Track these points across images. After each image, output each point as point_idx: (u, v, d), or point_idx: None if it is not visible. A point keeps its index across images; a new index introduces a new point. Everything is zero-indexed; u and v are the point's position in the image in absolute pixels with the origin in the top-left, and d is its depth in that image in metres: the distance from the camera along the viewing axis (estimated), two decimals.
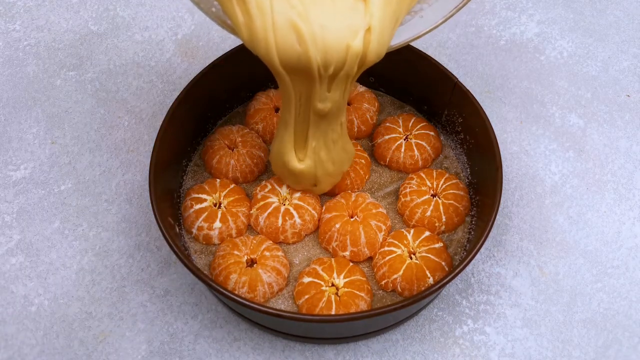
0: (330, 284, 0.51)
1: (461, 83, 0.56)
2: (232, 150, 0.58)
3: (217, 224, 0.54)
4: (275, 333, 0.53)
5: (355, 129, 0.60)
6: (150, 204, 0.58)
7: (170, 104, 0.55)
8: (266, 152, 0.59)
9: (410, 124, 0.59)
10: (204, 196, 0.55)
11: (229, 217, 0.54)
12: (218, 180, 0.56)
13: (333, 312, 0.49)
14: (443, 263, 0.52)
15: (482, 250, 0.58)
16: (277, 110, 0.61)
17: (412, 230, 0.54)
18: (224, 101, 0.61)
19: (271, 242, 0.53)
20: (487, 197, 0.52)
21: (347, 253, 0.53)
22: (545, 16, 0.74)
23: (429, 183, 0.56)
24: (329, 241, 0.54)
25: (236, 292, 0.51)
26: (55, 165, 0.62)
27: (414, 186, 0.56)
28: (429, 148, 0.58)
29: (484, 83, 0.68)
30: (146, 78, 0.68)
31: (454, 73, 0.63)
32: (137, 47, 0.71)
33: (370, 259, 0.54)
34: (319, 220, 0.55)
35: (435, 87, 0.58)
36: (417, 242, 0.53)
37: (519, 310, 0.55)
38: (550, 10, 0.74)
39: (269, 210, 0.54)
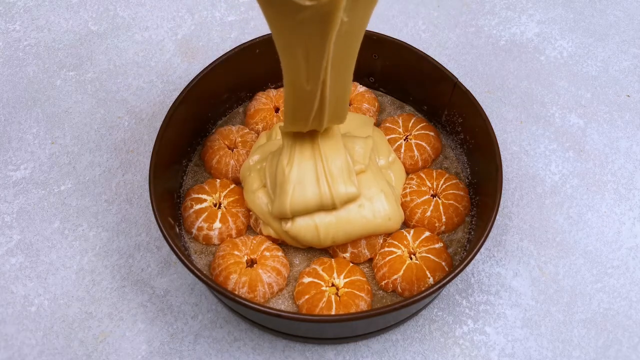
0: (330, 284, 0.51)
1: (461, 83, 0.56)
2: (232, 150, 0.58)
3: (217, 224, 0.54)
4: (275, 333, 0.53)
5: None
6: (150, 204, 0.58)
7: (170, 104, 0.55)
8: None
9: (410, 124, 0.59)
10: (204, 196, 0.55)
11: (229, 217, 0.54)
12: (218, 180, 0.56)
13: (333, 312, 0.49)
14: (443, 263, 0.52)
15: (482, 250, 0.58)
16: (277, 110, 0.61)
17: (412, 231, 0.54)
18: (224, 101, 0.61)
19: (271, 242, 0.53)
20: (487, 197, 0.52)
21: (347, 255, 0.53)
22: (545, 16, 0.74)
23: (429, 183, 0.56)
24: None
25: (236, 293, 0.51)
26: (55, 165, 0.62)
27: (414, 186, 0.56)
28: (428, 148, 0.58)
29: (484, 83, 0.68)
30: (146, 78, 0.68)
31: (454, 73, 0.63)
32: (137, 47, 0.71)
33: (370, 260, 0.54)
34: None
35: (435, 87, 0.58)
36: (417, 242, 0.53)
37: (519, 311, 0.55)
38: (550, 10, 0.74)
39: None
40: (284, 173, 0.50)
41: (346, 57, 0.42)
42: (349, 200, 0.51)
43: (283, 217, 0.51)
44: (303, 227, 0.51)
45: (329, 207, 0.50)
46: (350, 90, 0.47)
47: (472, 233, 0.54)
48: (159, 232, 0.56)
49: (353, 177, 0.51)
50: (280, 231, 0.52)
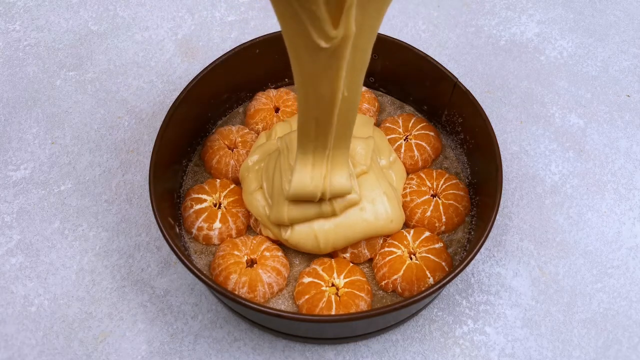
0: (330, 284, 0.51)
1: (461, 83, 0.56)
2: (232, 150, 0.58)
3: (217, 224, 0.54)
4: (275, 333, 0.53)
5: None
6: (150, 204, 0.58)
7: (170, 104, 0.55)
8: None
9: (410, 124, 0.59)
10: (204, 196, 0.55)
11: (229, 218, 0.54)
12: (218, 180, 0.56)
13: (333, 312, 0.49)
14: (443, 263, 0.52)
15: (482, 250, 0.58)
16: (277, 110, 0.61)
17: (412, 231, 0.54)
18: (224, 101, 0.61)
19: (271, 242, 0.53)
20: (487, 197, 0.52)
21: (347, 255, 0.53)
22: (545, 16, 0.74)
23: (429, 183, 0.56)
24: None
25: (236, 293, 0.51)
26: (55, 165, 0.62)
27: (414, 186, 0.56)
28: (428, 148, 0.58)
29: (484, 83, 0.68)
30: (146, 78, 0.68)
31: (454, 73, 0.63)
32: (137, 47, 0.71)
33: (370, 260, 0.54)
34: None
35: (435, 87, 0.58)
36: (417, 242, 0.53)
37: (519, 311, 0.55)
38: (550, 10, 0.74)
39: None
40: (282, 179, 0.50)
41: (343, 137, 0.46)
42: (349, 206, 0.50)
43: (281, 224, 0.51)
44: (302, 237, 0.51)
45: (329, 214, 0.50)
46: (349, 181, 0.49)
47: (472, 233, 0.54)
48: (159, 232, 0.56)
49: (353, 182, 0.50)
50: (279, 235, 0.52)
